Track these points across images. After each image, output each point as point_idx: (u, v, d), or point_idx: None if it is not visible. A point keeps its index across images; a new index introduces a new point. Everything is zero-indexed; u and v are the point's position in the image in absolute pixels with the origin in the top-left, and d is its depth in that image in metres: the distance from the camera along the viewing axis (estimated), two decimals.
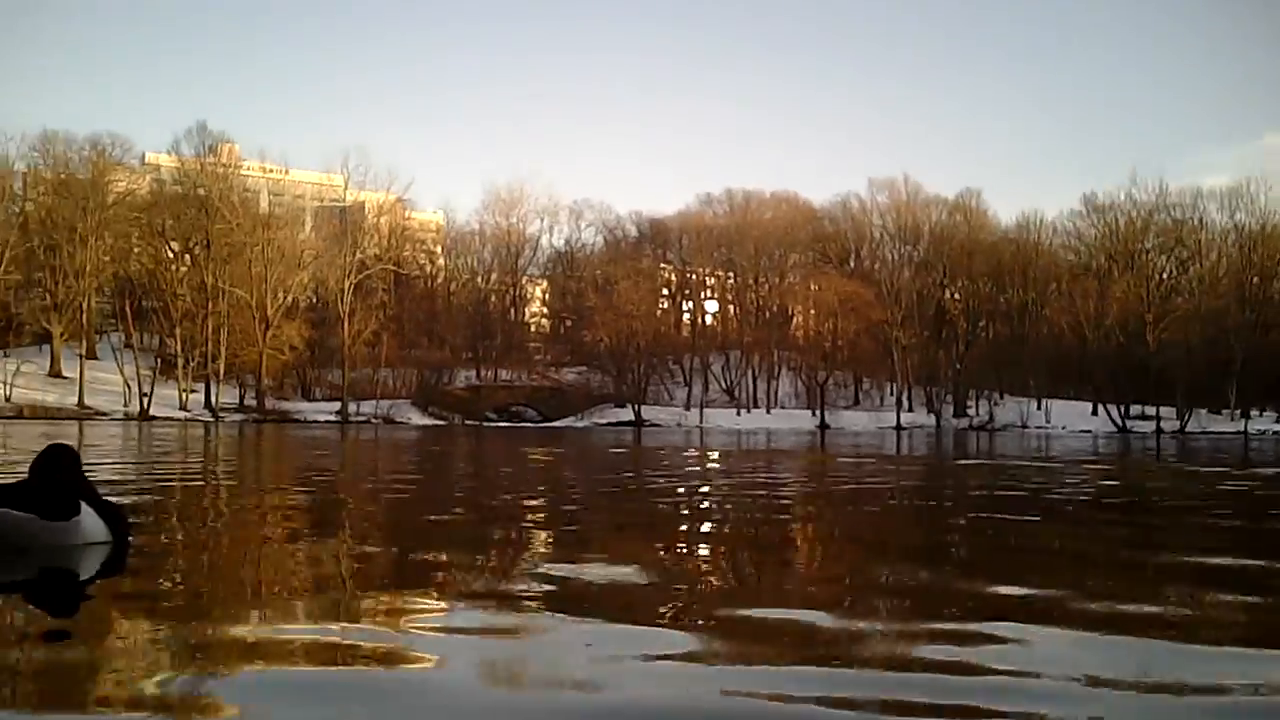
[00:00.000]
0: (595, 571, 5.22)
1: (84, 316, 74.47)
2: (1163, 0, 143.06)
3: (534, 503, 10.21)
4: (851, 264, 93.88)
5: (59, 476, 5.48)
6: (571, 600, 4.39)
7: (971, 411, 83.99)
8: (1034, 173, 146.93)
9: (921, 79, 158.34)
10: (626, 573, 5.23)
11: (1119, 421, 76.73)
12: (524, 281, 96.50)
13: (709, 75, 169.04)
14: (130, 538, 5.63)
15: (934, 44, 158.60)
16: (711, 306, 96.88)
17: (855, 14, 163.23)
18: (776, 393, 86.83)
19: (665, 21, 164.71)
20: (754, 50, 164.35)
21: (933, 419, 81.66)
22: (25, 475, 5.62)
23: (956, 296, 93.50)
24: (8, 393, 66.06)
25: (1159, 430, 72.05)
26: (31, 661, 3.32)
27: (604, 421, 76.04)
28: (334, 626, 3.85)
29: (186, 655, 3.35)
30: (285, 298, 76.79)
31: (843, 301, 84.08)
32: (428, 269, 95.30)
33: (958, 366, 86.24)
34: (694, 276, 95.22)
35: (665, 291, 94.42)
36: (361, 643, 3.60)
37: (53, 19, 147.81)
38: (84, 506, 5.37)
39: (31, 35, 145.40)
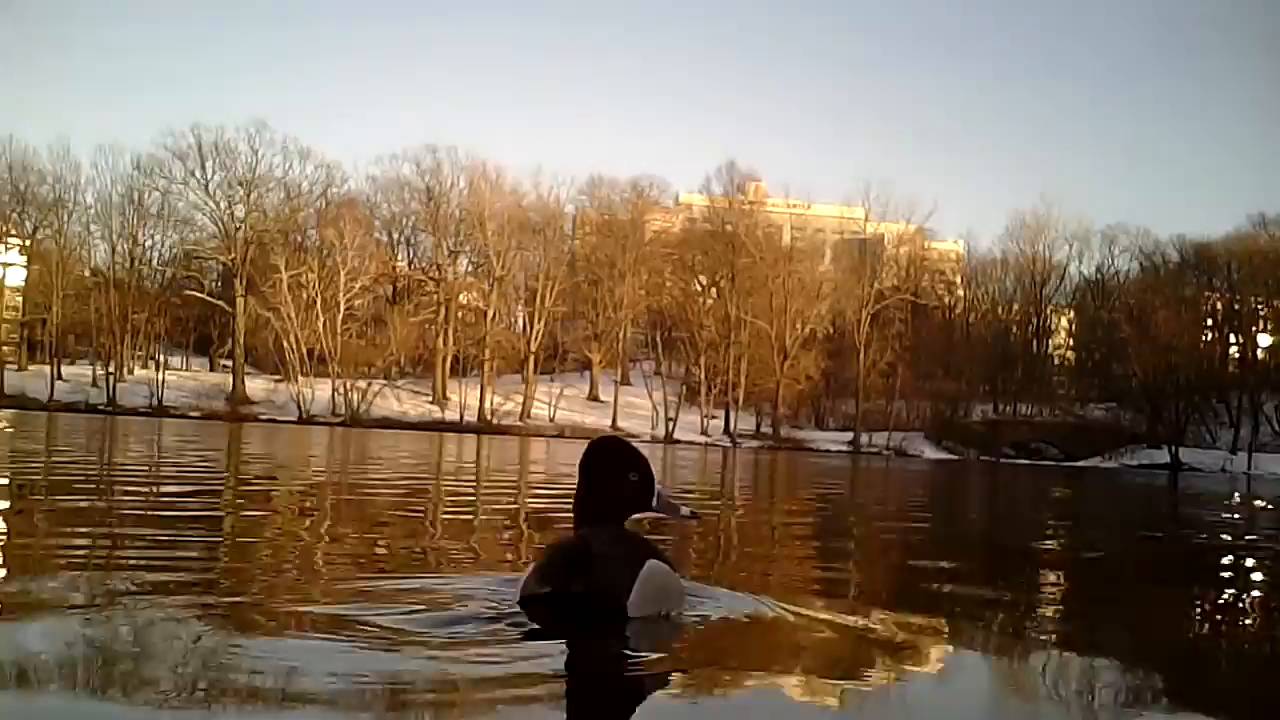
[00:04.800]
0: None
1: (619, 345, 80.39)
2: None
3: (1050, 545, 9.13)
4: None
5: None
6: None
7: None
8: None
9: None
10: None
11: None
12: (1048, 311, 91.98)
13: (1257, 86, 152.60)
14: None
15: None
16: (1265, 340, 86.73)
17: None
18: None
19: (1203, 31, 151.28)
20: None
21: None
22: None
23: None
24: (552, 414, 73.02)
25: None
26: None
27: (1134, 463, 70.19)
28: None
29: None
30: (803, 329, 78.46)
31: None
32: (946, 299, 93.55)
33: None
34: (1243, 306, 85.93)
35: (1209, 322, 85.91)
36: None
37: (594, 73, 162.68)
38: None
39: (576, 88, 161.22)
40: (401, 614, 3.56)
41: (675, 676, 3.01)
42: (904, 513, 12.72)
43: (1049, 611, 5.25)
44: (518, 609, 3.57)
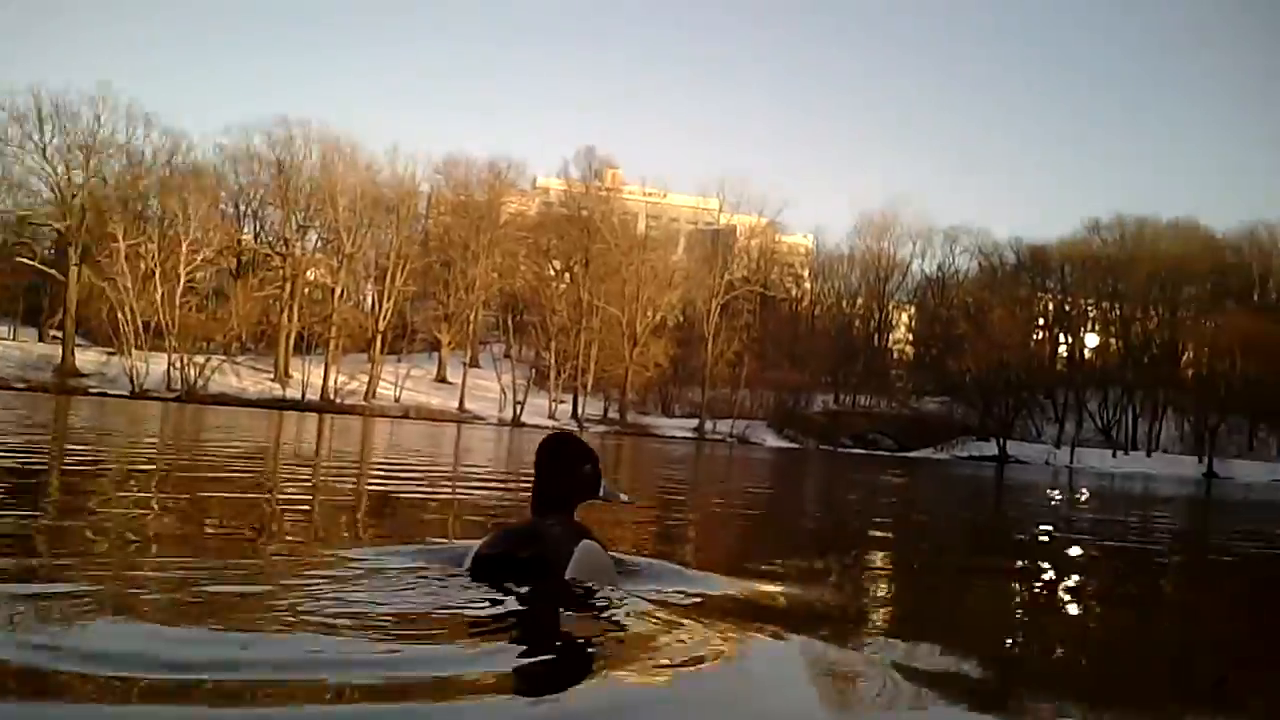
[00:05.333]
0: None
1: (470, 328, 79.73)
2: None
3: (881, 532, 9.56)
4: (1255, 298, 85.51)
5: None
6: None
7: None
8: None
9: None
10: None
11: None
12: (890, 307, 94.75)
13: (1099, 96, 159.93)
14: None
15: None
16: (1091, 340, 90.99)
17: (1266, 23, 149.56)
18: (1159, 435, 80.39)
19: (1051, 42, 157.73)
20: (1149, 66, 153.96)
21: None
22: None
23: None
24: (398, 394, 72.14)
25: None
26: None
27: (964, 454, 73.11)
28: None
29: None
30: (654, 316, 79.14)
31: (1243, 340, 76.50)
32: (794, 292, 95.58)
33: None
34: (1074, 308, 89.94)
35: (1040, 322, 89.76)
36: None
37: (457, 53, 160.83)
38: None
39: (437, 67, 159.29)
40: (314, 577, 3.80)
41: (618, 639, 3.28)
42: (747, 495, 13.12)
43: (876, 589, 5.59)
44: (445, 573, 3.89)
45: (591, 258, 79.00)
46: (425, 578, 3.85)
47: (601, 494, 4.26)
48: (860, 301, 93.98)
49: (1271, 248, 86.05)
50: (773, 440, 74.15)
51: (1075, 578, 6.76)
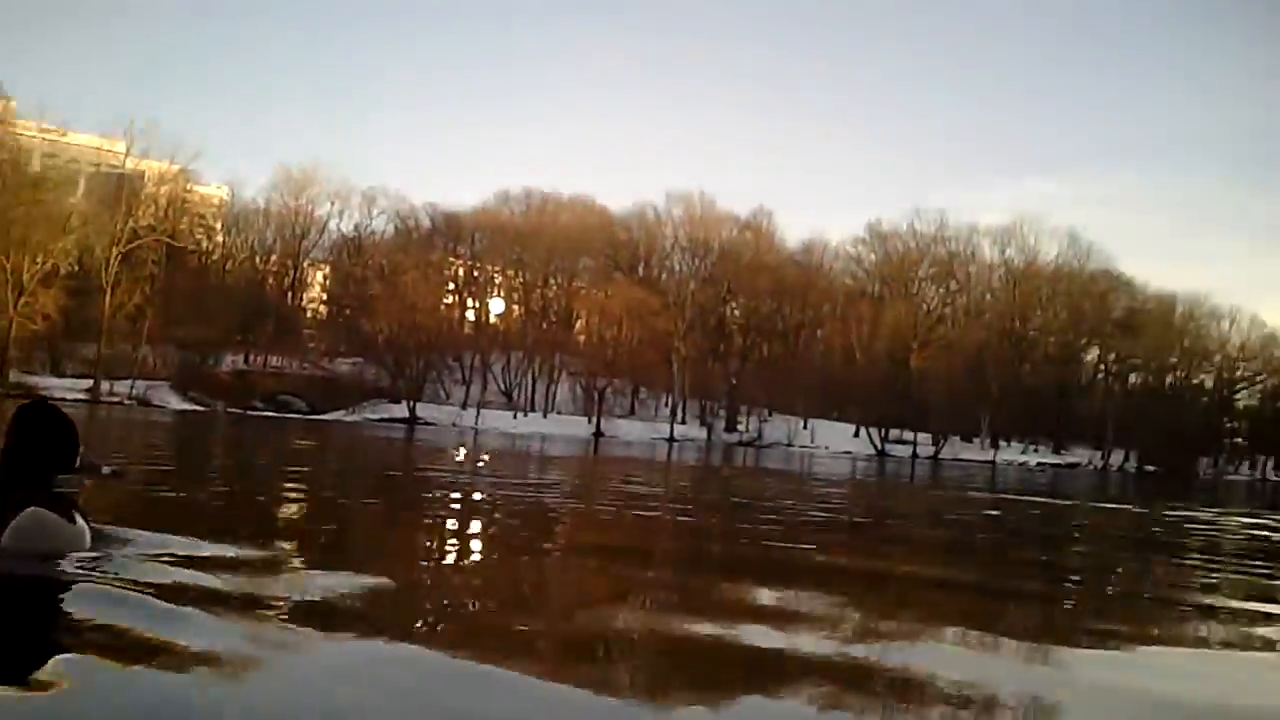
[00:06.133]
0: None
1: None
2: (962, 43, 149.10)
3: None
4: (641, 272, 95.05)
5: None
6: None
7: (741, 427, 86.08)
8: (824, 199, 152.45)
9: (725, 99, 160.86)
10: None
11: (878, 445, 79.96)
12: (306, 265, 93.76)
13: (515, 73, 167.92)
14: None
15: (734, 66, 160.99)
16: (497, 305, 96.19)
17: (665, 30, 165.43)
18: (555, 398, 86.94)
19: (482, 15, 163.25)
20: (563, 52, 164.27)
21: (705, 432, 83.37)
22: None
23: (738, 313, 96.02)
24: None
25: (914, 455, 75.40)
26: None
27: (376, 417, 74.26)
28: None
29: None
30: (45, 264, 72.18)
31: (629, 309, 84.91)
32: (204, 245, 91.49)
33: (733, 382, 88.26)
34: (483, 274, 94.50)
35: (452, 286, 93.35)
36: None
37: None
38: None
39: None
40: None
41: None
42: (157, 459, 13.03)
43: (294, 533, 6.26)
44: None
45: None
46: None
47: (79, 465, 4.17)
48: (275, 258, 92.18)
49: (656, 228, 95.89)
50: (177, 403, 70.63)
51: (464, 516, 8.12)
